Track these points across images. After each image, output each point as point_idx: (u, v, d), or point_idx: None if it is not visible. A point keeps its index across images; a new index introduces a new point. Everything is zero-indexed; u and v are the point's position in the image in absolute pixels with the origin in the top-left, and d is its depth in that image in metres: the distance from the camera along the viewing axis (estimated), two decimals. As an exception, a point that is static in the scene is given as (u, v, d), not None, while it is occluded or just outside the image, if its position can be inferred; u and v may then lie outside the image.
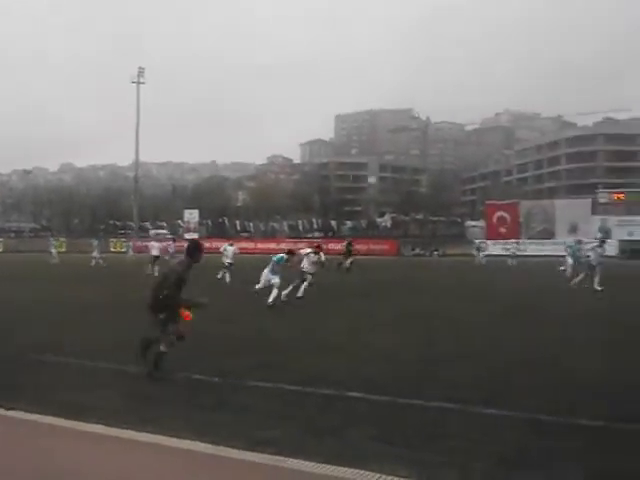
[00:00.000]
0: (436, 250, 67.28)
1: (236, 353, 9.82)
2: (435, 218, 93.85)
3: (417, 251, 69.07)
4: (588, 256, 23.06)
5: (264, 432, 5.72)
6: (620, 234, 65.24)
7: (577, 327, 13.11)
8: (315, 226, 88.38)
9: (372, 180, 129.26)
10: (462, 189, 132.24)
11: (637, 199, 73.61)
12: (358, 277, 29.38)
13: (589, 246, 23.98)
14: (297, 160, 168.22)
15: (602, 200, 72.49)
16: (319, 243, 23.19)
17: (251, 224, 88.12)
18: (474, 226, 78.08)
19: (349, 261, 34.20)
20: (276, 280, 16.68)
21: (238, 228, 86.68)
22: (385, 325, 13.56)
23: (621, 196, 73.25)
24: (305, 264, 18.57)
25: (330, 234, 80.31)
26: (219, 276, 25.64)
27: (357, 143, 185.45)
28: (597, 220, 68.63)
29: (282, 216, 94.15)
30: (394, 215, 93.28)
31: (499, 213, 73.18)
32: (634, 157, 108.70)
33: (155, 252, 31.89)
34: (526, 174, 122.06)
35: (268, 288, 16.68)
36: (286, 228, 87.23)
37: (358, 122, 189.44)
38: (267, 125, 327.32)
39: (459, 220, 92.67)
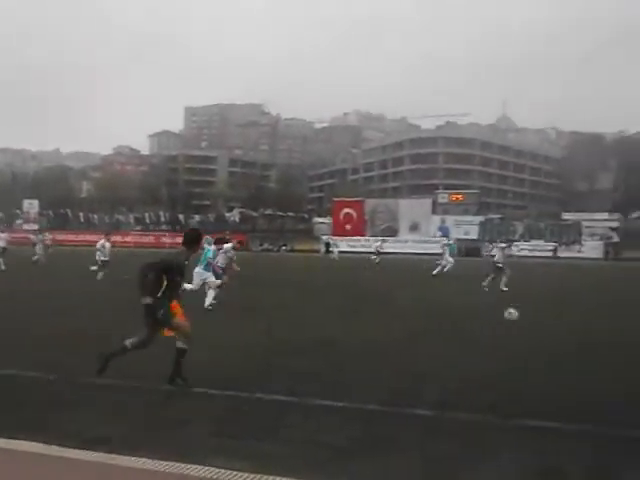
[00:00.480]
0: (284, 245, 67.54)
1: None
2: (283, 213, 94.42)
3: (265, 246, 68.98)
4: (493, 256, 22.87)
5: (96, 430, 5.48)
6: (457, 233, 68.44)
7: (422, 319, 13.35)
8: (162, 219, 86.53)
9: (221, 174, 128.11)
10: (310, 186, 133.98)
11: (473, 200, 77.84)
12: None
13: (497, 246, 23.13)
14: (145, 152, 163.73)
15: (442, 200, 75.93)
16: (228, 235, 20.18)
17: (95, 216, 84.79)
18: (321, 222, 79.18)
19: None
20: (212, 279, 14.96)
21: (82, 220, 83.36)
22: (230, 319, 13.20)
23: (459, 197, 77.10)
24: (220, 260, 16.35)
25: (178, 228, 78.87)
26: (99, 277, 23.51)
27: (207, 136, 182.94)
28: (437, 219, 71.77)
29: (128, 208, 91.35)
30: (243, 210, 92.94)
31: (345, 210, 74.66)
32: (472, 160, 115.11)
33: (2, 243, 29.30)
34: (372, 173, 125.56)
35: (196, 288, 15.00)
36: (132, 221, 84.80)
37: (208, 115, 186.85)
38: (114, 115, 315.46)
39: (307, 216, 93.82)
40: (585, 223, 68.48)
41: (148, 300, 6.74)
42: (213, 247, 15.39)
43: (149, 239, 73.65)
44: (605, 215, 73.01)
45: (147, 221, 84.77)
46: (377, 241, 48.77)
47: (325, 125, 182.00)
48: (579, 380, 7.85)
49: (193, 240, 7.31)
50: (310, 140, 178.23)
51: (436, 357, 9.30)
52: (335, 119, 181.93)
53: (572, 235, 66.95)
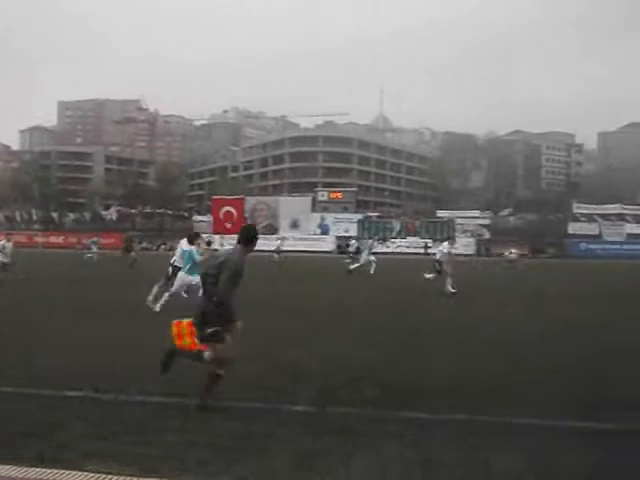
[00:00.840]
0: (163, 244, 66.19)
1: None
2: (162, 212, 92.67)
3: (144, 245, 67.21)
4: (434, 254, 22.36)
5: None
6: (337, 231, 69.57)
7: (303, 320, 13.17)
8: (35, 217, 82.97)
9: (97, 171, 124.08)
10: (190, 183, 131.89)
11: (352, 198, 79.36)
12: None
13: (441, 245, 21.76)
14: (16, 147, 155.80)
15: (321, 198, 76.93)
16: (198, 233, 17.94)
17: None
18: (201, 220, 78.19)
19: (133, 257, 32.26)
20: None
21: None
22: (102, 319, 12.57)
23: (338, 195, 78.39)
24: (178, 257, 14.86)
25: (51, 227, 75.87)
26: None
27: (82, 132, 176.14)
28: (317, 217, 72.65)
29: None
30: (120, 208, 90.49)
31: (225, 208, 74.22)
32: (350, 159, 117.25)
33: None
34: (252, 171, 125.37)
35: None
36: (2, 219, 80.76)
37: (83, 111, 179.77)
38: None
39: (187, 214, 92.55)
40: (458, 220, 71.38)
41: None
42: (195, 247, 13.64)
43: (21, 238, 69.98)
44: (477, 213, 76.45)
45: (18, 219, 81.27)
46: (278, 239, 47.47)
47: (204, 122, 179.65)
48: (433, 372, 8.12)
49: (250, 237, 6.76)
50: (189, 137, 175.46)
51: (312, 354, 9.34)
52: (214, 116, 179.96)
53: (445, 232, 69.50)
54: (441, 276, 19.97)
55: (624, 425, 5.77)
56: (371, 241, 34.46)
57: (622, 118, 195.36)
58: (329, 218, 72.30)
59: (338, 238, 66.41)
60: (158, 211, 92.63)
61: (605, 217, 73.04)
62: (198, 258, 13.19)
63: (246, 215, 73.43)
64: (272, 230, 69.50)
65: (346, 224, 71.26)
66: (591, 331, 11.56)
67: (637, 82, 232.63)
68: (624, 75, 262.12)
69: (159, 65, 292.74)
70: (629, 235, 69.44)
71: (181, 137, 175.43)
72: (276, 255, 41.30)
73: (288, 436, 5.45)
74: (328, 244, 67.82)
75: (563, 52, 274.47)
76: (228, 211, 73.75)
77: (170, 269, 14.61)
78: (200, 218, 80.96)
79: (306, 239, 67.58)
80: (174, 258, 14.66)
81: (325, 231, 69.77)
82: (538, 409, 6.30)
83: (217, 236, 61.82)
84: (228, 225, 71.26)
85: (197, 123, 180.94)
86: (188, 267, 13.24)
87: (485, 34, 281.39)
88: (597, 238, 69.93)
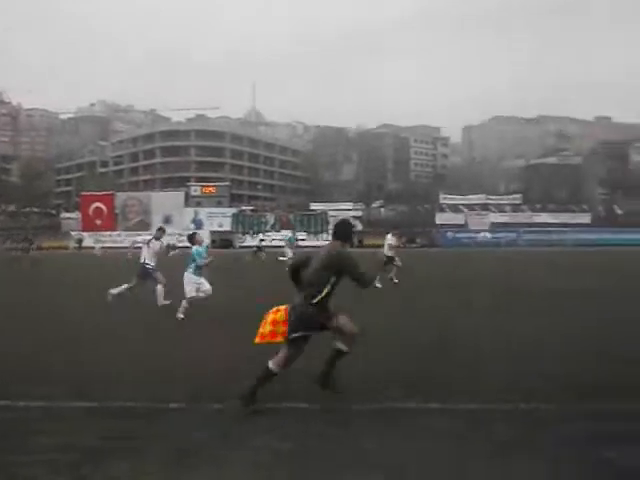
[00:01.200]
0: (30, 243, 63.53)
1: None
2: (28, 209, 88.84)
3: (8, 244, 64.18)
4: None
5: None
6: (211, 225, 69.42)
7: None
8: None
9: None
10: (57, 179, 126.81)
11: (225, 192, 79.33)
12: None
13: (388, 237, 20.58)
14: None
15: (194, 193, 76.44)
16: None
17: None
18: (69, 218, 75.73)
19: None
20: (207, 286, 12.66)
21: None
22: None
23: (212, 189, 78.16)
24: (146, 254, 14.42)
25: None
26: None
27: None
28: (190, 212, 72.22)
29: None
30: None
31: (95, 204, 72.32)
32: (223, 153, 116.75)
33: None
34: (122, 166, 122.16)
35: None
36: None
37: None
38: None
39: (54, 212, 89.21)
40: (331, 213, 72.96)
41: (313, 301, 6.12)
42: (198, 246, 12.87)
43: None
44: (349, 205, 78.56)
45: None
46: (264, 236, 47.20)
47: (71, 116, 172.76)
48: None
49: (348, 233, 6.61)
50: (55, 131, 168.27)
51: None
52: (81, 109, 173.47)
53: (319, 225, 70.96)
54: (390, 268, 19.57)
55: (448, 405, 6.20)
56: (291, 234, 35.13)
57: (486, 112, 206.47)
58: (203, 213, 72.01)
59: (212, 233, 66.25)
60: (23, 210, 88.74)
61: (470, 207, 77.01)
62: (204, 257, 12.70)
63: (117, 211, 71.89)
64: (144, 226, 68.42)
65: (220, 218, 71.28)
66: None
67: (499, 77, 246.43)
68: (488, 71, 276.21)
69: (23, 56, 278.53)
70: (493, 224, 73.16)
71: (46, 131, 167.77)
72: (172, 251, 40.94)
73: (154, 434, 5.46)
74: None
75: (430, 49, 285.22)
76: (98, 207, 71.86)
77: (141, 268, 14.24)
78: (68, 215, 78.40)
79: (180, 235, 66.91)
80: (143, 257, 14.27)
81: (199, 226, 69.43)
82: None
83: (86, 233, 60.65)
84: (98, 222, 69.66)
85: (63, 117, 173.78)
86: (193, 267, 12.56)
87: (351, 30, 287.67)
88: (463, 227, 73.57)
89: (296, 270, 6.38)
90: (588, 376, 7.14)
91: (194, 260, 12.50)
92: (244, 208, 78.12)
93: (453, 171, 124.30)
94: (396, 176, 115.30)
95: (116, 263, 35.85)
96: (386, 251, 19.22)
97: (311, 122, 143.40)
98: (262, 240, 47.63)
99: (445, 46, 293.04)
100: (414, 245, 65.08)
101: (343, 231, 6.53)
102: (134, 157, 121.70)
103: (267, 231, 66.68)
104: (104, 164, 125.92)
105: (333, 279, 6.14)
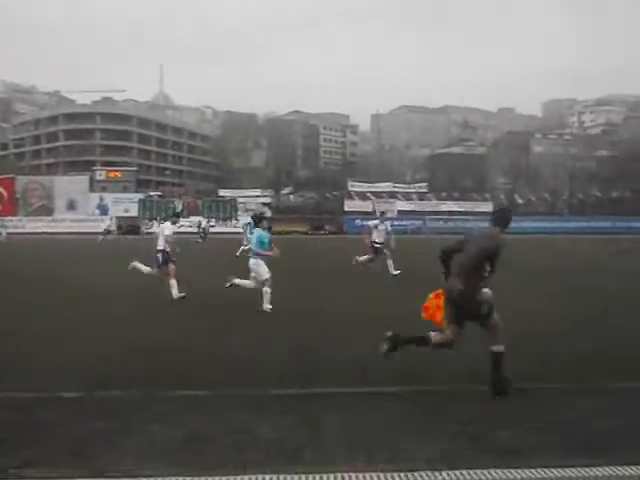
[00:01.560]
0: None
1: None
2: None
3: None
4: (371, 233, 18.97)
5: None
6: (117, 211, 68.23)
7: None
8: None
9: None
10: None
11: (132, 177, 78.10)
12: None
13: (371, 223, 19.26)
14: None
15: (99, 178, 74.89)
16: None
17: None
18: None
19: None
20: (268, 275, 11.72)
21: None
22: None
23: (117, 174, 76.76)
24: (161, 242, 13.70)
25: None
26: None
27: None
28: (95, 197, 70.74)
29: None
30: None
31: (-6, 189, 69.73)
32: (130, 137, 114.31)
33: None
34: (24, 149, 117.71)
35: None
36: None
37: None
38: None
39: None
40: (240, 199, 73.14)
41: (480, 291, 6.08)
42: (260, 229, 12.25)
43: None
44: (258, 192, 78.84)
45: None
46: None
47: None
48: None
49: (508, 219, 6.55)
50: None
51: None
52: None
53: (228, 211, 71.06)
54: (377, 259, 18.64)
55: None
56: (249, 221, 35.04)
57: (394, 101, 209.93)
58: (108, 198, 70.61)
59: (119, 219, 65.11)
60: None
61: (377, 195, 78.67)
62: (268, 241, 12.04)
63: (17, 196, 69.56)
64: (47, 211, 66.80)
65: (126, 204, 70.12)
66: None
67: (409, 68, 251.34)
68: (398, 61, 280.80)
69: None
70: (400, 212, 74.59)
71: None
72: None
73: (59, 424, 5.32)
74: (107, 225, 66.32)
75: (339, 38, 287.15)
76: (-2, 192, 69.38)
77: (160, 256, 13.55)
78: (-35, 199, 75.28)
79: (84, 220, 65.42)
80: (160, 244, 13.58)
81: (104, 211, 68.03)
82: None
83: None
84: (-3, 206, 67.22)
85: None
86: (255, 253, 11.93)
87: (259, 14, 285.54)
88: (370, 215, 75.04)
89: (449, 254, 6.49)
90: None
91: (262, 245, 11.86)
92: (151, 194, 77.15)
93: (362, 159, 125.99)
94: (305, 163, 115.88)
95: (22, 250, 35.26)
96: (376, 238, 18.43)
97: (220, 107, 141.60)
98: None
99: (352, 32, 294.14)
100: (322, 232, 66.24)
101: (503, 217, 6.59)
102: (36, 140, 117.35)
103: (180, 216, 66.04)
104: (4, 147, 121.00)
105: (488, 266, 6.21)
